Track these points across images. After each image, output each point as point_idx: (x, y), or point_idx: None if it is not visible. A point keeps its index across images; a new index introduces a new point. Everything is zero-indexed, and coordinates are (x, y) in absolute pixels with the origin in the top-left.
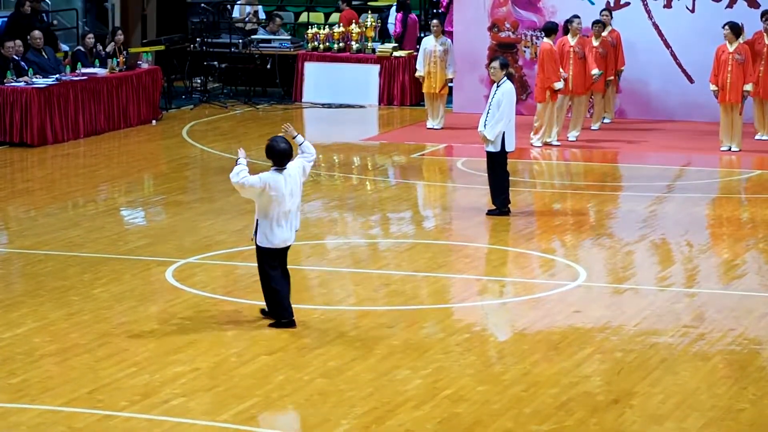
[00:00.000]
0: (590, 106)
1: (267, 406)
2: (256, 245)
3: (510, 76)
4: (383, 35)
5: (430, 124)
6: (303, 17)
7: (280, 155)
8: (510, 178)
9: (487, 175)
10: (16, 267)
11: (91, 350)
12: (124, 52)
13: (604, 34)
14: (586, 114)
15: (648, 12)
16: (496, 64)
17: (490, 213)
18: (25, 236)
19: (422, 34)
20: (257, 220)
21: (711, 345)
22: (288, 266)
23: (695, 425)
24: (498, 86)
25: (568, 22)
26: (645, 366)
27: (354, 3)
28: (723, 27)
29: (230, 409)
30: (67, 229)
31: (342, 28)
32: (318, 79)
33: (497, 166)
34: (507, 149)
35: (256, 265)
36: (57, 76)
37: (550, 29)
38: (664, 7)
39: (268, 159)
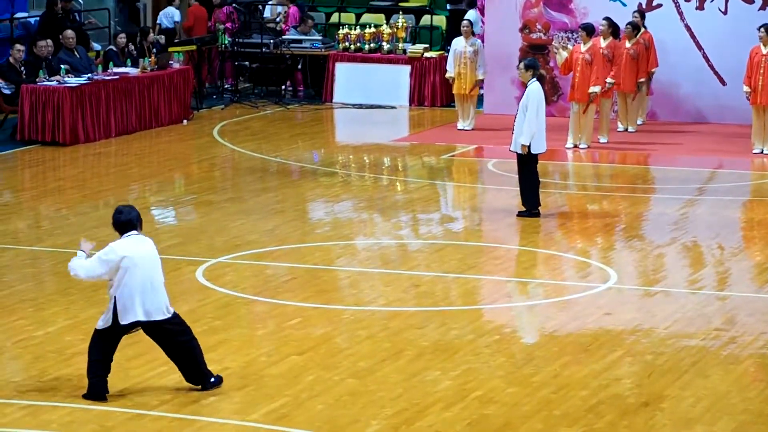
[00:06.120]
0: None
1: (297, 406)
2: None
3: (541, 78)
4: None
5: (460, 125)
6: (334, 18)
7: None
8: (540, 179)
9: (517, 176)
10: (47, 266)
11: (121, 349)
12: (155, 52)
13: (637, 35)
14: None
15: (680, 14)
16: (521, 65)
17: (520, 215)
18: (57, 235)
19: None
20: None
21: (742, 348)
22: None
23: (726, 429)
24: (526, 87)
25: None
26: (675, 369)
27: (385, 4)
28: (758, 29)
29: (260, 409)
30: (99, 227)
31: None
32: (349, 79)
33: (526, 167)
34: (534, 151)
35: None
36: (89, 75)
37: (592, 30)
38: (697, 8)
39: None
